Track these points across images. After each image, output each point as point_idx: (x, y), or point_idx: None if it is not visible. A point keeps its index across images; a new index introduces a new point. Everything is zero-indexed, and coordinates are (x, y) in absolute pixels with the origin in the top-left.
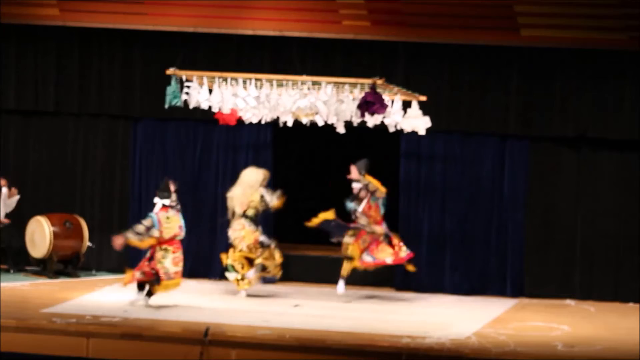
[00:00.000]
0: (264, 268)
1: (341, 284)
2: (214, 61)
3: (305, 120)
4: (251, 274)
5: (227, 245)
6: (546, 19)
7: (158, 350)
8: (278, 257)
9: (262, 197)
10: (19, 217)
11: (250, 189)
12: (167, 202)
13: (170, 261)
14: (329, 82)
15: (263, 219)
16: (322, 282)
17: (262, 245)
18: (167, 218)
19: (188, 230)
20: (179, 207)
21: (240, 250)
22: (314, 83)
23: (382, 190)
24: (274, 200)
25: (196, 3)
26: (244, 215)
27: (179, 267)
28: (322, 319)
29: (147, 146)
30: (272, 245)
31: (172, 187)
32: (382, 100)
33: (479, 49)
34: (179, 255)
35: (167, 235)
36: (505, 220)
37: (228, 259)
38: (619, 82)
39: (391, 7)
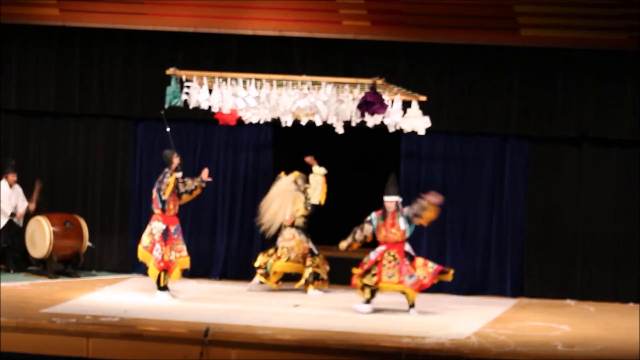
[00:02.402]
0: (316, 276)
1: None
2: (214, 61)
3: (304, 121)
4: (312, 292)
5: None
6: (546, 19)
7: (158, 350)
8: (326, 266)
9: (305, 200)
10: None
11: (286, 199)
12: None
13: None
14: (329, 82)
15: None
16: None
17: (312, 254)
18: None
19: (188, 231)
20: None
21: (288, 260)
22: (314, 83)
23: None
24: (316, 196)
25: (196, 3)
26: (293, 225)
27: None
28: (322, 319)
29: (148, 146)
30: (321, 255)
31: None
32: (382, 100)
33: (479, 49)
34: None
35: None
36: (505, 220)
37: (267, 265)
38: (620, 81)
39: (391, 7)
